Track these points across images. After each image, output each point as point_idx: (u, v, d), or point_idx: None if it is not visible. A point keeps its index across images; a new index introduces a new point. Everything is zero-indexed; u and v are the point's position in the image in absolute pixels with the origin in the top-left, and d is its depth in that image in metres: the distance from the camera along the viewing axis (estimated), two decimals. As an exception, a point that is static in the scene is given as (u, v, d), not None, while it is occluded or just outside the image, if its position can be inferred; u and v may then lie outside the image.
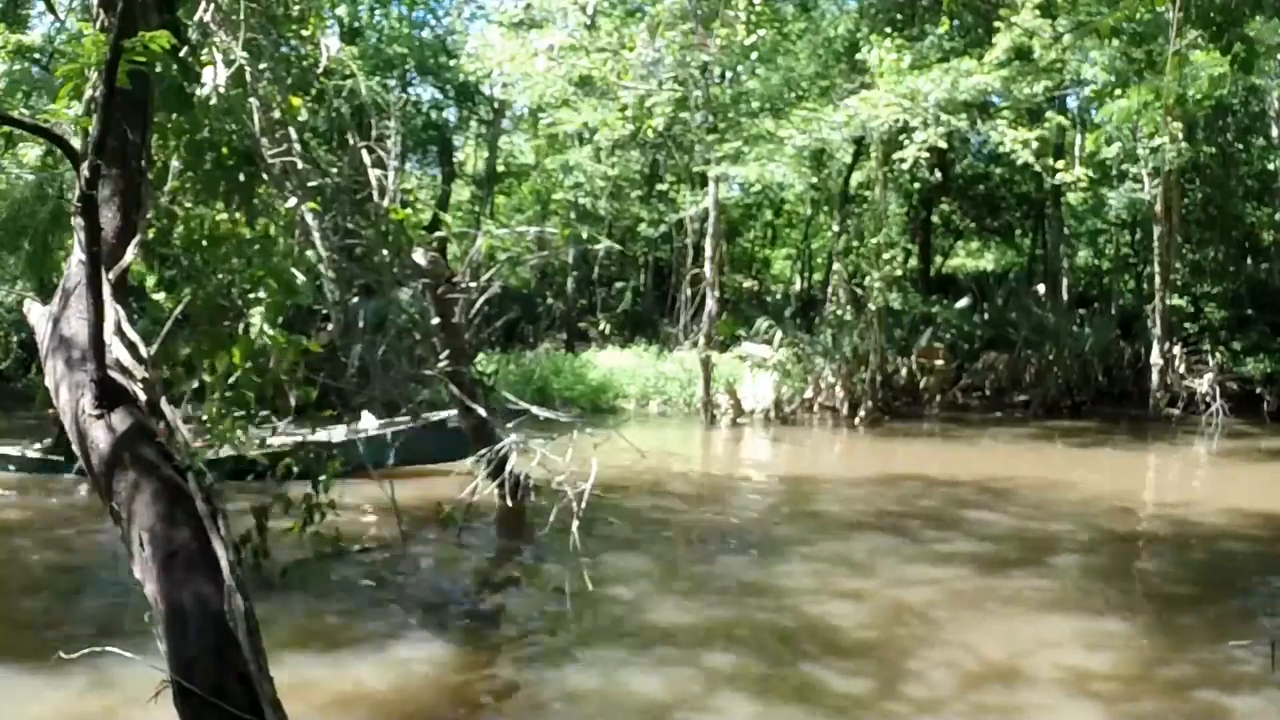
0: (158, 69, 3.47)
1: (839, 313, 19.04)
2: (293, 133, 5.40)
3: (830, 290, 21.00)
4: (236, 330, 4.95)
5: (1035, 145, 15.44)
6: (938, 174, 18.57)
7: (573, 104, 18.20)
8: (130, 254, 3.89)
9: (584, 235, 21.82)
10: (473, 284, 6.79)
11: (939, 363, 18.67)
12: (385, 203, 6.26)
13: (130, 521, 3.22)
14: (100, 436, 3.36)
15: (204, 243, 4.84)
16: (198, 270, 4.68)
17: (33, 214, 17.25)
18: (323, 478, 6.48)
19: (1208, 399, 18.07)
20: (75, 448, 3.50)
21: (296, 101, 5.29)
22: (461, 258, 6.97)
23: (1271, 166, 20.50)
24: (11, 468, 10.07)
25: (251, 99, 4.97)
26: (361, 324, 6.27)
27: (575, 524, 6.27)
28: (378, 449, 8.18)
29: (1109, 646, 5.92)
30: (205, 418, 5.25)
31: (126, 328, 3.66)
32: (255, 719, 2.88)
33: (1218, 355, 18.78)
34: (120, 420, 3.36)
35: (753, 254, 28.64)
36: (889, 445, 15.26)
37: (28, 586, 6.86)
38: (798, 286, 26.69)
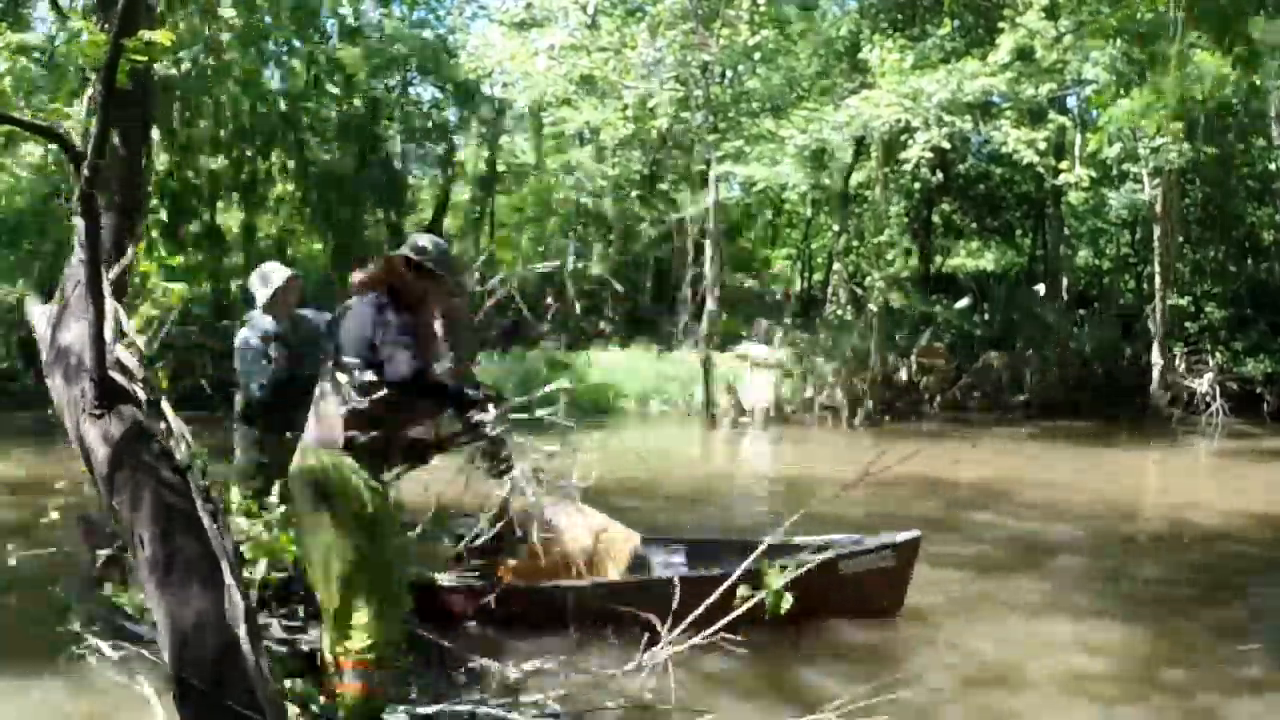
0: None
1: (839, 313, 19.05)
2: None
3: (830, 290, 21.01)
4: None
5: (1043, 146, 15.47)
6: (939, 174, 18.60)
7: (574, 103, 18.21)
8: (130, 254, 3.89)
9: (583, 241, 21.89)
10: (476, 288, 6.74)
11: (939, 363, 18.67)
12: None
13: (131, 522, 3.22)
14: (100, 436, 3.36)
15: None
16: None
17: (39, 214, 17.36)
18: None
19: (1208, 399, 18.09)
20: (76, 448, 3.50)
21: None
22: (461, 258, 6.94)
23: (1272, 166, 20.51)
24: None
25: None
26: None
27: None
28: None
29: (1110, 649, 5.92)
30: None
31: (127, 327, 3.66)
32: (256, 718, 2.88)
33: (1218, 355, 18.80)
34: (120, 420, 3.37)
35: (753, 254, 28.63)
36: (889, 445, 15.21)
37: (26, 586, 6.84)
38: (798, 286, 26.70)
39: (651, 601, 5.18)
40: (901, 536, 6.42)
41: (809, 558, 6.02)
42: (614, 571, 6.07)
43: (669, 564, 6.61)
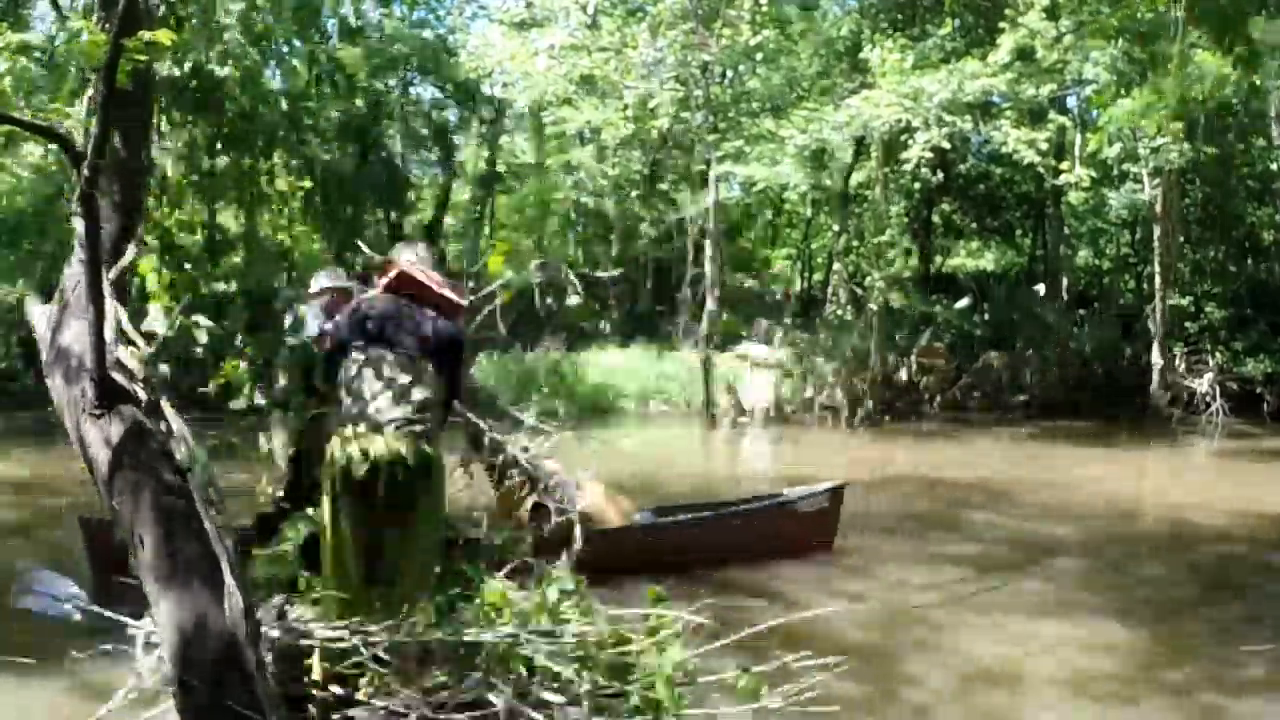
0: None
1: (839, 313, 19.05)
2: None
3: (830, 290, 21.01)
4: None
5: (1044, 146, 15.47)
6: (939, 174, 18.60)
7: (574, 103, 18.20)
8: (130, 254, 3.88)
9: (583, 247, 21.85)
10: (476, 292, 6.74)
11: (939, 363, 18.68)
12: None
13: (132, 522, 3.22)
14: (101, 437, 3.36)
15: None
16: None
17: (40, 214, 17.39)
18: None
19: (1208, 399, 18.09)
20: (76, 449, 3.50)
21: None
22: (462, 259, 6.95)
23: (1272, 166, 20.51)
24: None
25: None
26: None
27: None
28: None
29: (1110, 649, 5.91)
30: None
31: (127, 327, 3.65)
32: (257, 718, 2.88)
33: (1218, 355, 18.80)
34: (120, 421, 3.36)
35: (753, 254, 28.62)
36: (889, 445, 15.26)
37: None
38: (798, 286, 26.70)
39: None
40: (832, 484, 7.97)
41: (778, 502, 7.82)
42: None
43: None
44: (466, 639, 3.46)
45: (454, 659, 3.44)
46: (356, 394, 3.90)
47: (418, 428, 3.83)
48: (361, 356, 3.95)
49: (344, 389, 3.97)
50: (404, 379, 3.90)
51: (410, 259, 4.24)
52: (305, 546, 4.63)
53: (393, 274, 4.16)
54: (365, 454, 3.75)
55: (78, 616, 4.09)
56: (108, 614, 3.92)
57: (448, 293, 4.20)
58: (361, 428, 3.81)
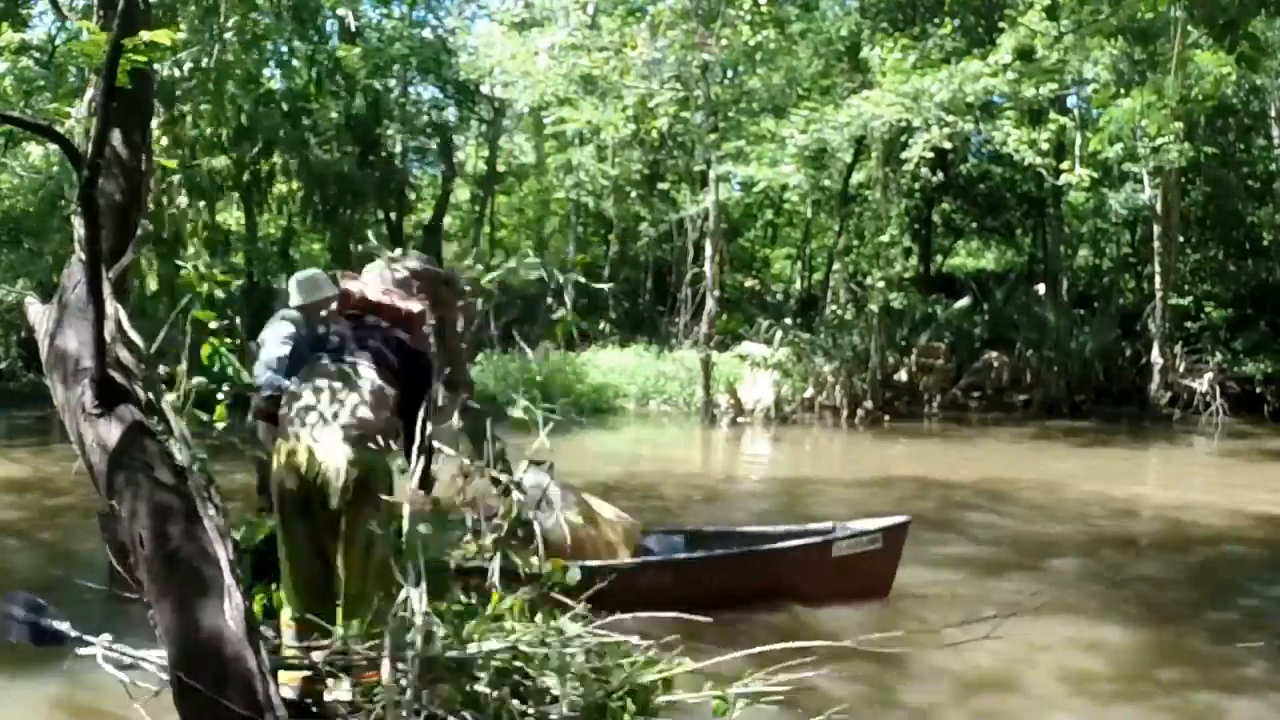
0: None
1: (839, 312, 19.04)
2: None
3: (830, 290, 21.01)
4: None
5: (1045, 146, 15.48)
6: (939, 174, 18.60)
7: (574, 103, 18.20)
8: (130, 254, 3.89)
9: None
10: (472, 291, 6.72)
11: (939, 363, 18.68)
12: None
13: (131, 520, 3.23)
14: (100, 436, 3.37)
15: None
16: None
17: (41, 214, 17.39)
18: None
19: (1208, 399, 18.08)
20: (76, 449, 3.50)
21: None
22: (462, 257, 6.94)
23: (1272, 166, 20.50)
24: None
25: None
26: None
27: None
28: None
29: (1109, 650, 5.91)
30: None
31: (127, 326, 3.66)
32: (255, 718, 2.88)
33: (1218, 355, 18.80)
34: (120, 421, 3.37)
35: (753, 254, 28.60)
36: (889, 445, 15.26)
37: (24, 586, 6.84)
38: (798, 286, 26.68)
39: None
40: (890, 521, 6.60)
41: (808, 540, 6.56)
42: (624, 555, 6.19)
43: (670, 553, 6.76)
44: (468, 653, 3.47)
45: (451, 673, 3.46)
46: (296, 404, 4.01)
47: (354, 433, 3.89)
48: (309, 369, 4.13)
49: (285, 399, 4.12)
50: (346, 387, 3.98)
51: (375, 277, 4.46)
52: (260, 551, 4.75)
53: (348, 296, 4.33)
54: (299, 465, 3.85)
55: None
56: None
57: (402, 304, 4.30)
58: (301, 436, 3.91)
